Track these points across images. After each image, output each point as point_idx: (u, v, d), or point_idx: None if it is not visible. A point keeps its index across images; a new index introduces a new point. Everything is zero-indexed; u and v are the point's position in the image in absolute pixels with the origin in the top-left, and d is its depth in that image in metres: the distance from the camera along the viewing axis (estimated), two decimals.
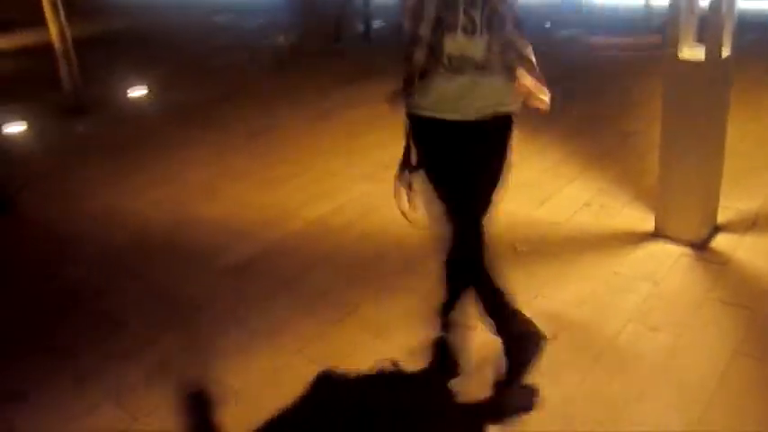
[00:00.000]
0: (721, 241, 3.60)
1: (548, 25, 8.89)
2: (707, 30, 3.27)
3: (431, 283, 3.19)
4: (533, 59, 2.42)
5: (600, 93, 6.39)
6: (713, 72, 3.28)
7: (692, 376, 2.70)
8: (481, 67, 2.29)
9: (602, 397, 2.62)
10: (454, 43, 2.26)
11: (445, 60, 2.28)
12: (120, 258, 4.01)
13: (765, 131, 5.09)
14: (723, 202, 3.78)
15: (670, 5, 3.32)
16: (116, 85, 7.96)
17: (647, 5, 8.75)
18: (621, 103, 5.94)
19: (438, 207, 2.52)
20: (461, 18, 2.25)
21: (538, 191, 4.33)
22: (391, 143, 5.23)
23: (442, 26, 2.25)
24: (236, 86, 7.96)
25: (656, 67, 3.70)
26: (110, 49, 10.25)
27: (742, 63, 3.71)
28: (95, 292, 3.67)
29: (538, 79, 2.43)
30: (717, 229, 3.69)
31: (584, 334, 3.00)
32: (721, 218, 3.76)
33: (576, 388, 2.68)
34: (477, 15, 2.25)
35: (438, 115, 2.35)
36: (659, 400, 2.58)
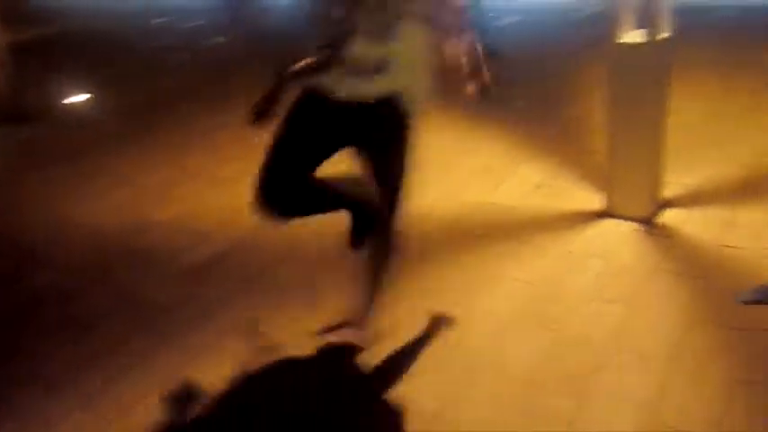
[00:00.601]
0: (669, 216, 3.75)
1: (490, 15, 9.02)
2: (645, 13, 3.40)
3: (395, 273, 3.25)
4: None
5: (545, 78, 6.53)
6: (653, 53, 3.42)
7: (649, 344, 2.82)
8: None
9: (564, 369, 2.72)
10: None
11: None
12: (81, 264, 3.97)
13: (706, 107, 5.29)
14: (669, 177, 3.93)
15: None
16: (57, 90, 7.81)
17: None
18: (567, 88, 6.09)
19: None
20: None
21: (492, 176, 4.42)
22: None
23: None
24: (183, 87, 7.89)
25: (598, 51, 3.81)
26: (47, 54, 10.03)
27: (682, 44, 3.87)
28: (60, 299, 3.62)
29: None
30: (664, 204, 3.84)
31: (543, 311, 3.09)
32: (668, 193, 3.90)
33: (538, 363, 2.77)
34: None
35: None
36: (619, 370, 2.69)
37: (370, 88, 2.48)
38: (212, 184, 4.89)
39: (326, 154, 2.68)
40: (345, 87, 2.49)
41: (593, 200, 3.93)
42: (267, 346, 3.04)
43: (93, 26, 13.47)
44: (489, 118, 5.24)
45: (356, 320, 2.98)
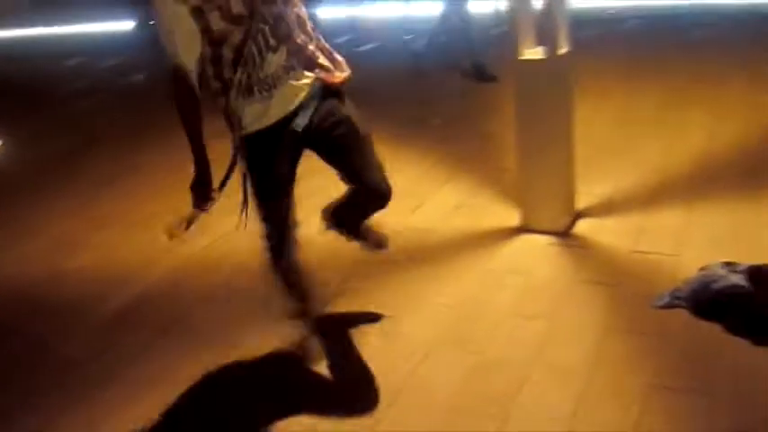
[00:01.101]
0: (582, 227, 3.80)
1: (407, 37, 9.09)
2: (543, 29, 3.46)
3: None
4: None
5: (462, 95, 6.60)
6: (553, 68, 3.47)
7: (570, 357, 2.83)
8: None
9: (486, 392, 2.70)
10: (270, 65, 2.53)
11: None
12: None
13: (615, 116, 5.42)
14: (581, 188, 3.99)
15: (508, 9, 3.50)
16: None
17: (496, 10, 9.12)
18: (484, 104, 6.16)
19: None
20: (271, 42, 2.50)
21: (410, 199, 4.41)
22: None
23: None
24: (97, 130, 7.70)
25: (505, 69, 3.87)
26: None
27: (584, 57, 3.95)
28: None
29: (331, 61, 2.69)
30: (578, 215, 3.89)
31: (465, 333, 3.08)
32: (581, 204, 3.96)
33: (461, 387, 2.75)
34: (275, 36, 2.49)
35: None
36: (540, 387, 2.69)
37: (296, 89, 2.60)
38: (125, 230, 4.76)
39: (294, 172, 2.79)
40: (269, 113, 2.59)
41: (511, 216, 3.95)
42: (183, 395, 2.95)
43: (4, 71, 13.09)
44: (407, 139, 5.26)
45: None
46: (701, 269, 3.12)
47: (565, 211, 3.78)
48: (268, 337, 3.21)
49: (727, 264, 3.10)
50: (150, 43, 12.28)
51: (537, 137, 3.61)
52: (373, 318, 3.26)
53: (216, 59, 2.46)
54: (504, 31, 3.58)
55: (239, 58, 2.44)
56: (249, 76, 2.49)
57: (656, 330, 2.93)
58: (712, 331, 2.86)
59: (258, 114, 2.59)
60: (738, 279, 2.95)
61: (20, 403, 3.03)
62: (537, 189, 3.71)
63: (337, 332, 3.17)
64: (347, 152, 2.69)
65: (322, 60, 2.66)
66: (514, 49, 3.51)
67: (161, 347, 3.33)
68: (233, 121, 2.61)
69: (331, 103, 2.66)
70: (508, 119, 3.90)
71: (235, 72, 2.47)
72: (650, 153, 4.62)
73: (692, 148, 4.60)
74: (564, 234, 3.73)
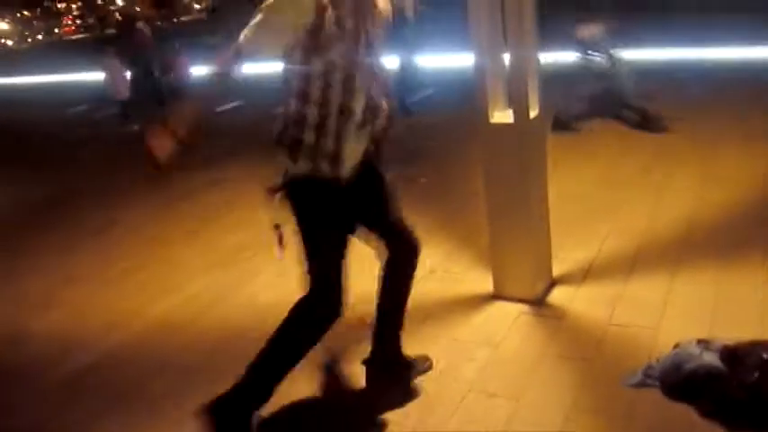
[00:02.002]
0: (557, 295, 3.65)
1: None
2: (512, 92, 3.35)
3: None
4: None
5: (448, 153, 6.51)
6: (524, 132, 3.35)
7: None
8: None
9: None
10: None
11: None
12: None
13: (596, 178, 5.27)
14: (559, 253, 3.85)
15: (475, 71, 3.40)
16: None
17: None
18: (466, 165, 6.04)
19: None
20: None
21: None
22: (242, 226, 5.16)
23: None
24: (82, 182, 7.66)
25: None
26: None
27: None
28: None
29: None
30: (554, 282, 3.74)
31: (426, 408, 2.92)
32: (558, 270, 3.81)
33: None
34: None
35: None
36: None
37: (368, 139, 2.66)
38: (98, 287, 4.65)
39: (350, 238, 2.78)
40: (348, 162, 2.59)
41: (485, 282, 3.80)
42: None
43: (8, 116, 13.20)
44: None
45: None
46: (675, 346, 2.95)
47: (539, 278, 3.63)
48: None
49: (702, 341, 2.91)
50: (147, 94, 12.42)
51: (508, 201, 3.48)
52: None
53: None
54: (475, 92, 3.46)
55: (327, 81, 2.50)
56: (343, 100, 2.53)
57: (624, 412, 2.75)
58: (684, 414, 2.66)
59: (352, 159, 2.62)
60: (712, 359, 2.76)
61: None
62: (509, 255, 3.57)
63: (298, 403, 3.03)
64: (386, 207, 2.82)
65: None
66: (484, 112, 3.41)
67: (111, 419, 3.18)
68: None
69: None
70: None
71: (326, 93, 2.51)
72: (633, 217, 4.47)
73: (676, 213, 4.44)
74: (538, 302, 3.58)
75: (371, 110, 2.57)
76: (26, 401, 3.43)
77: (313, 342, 2.70)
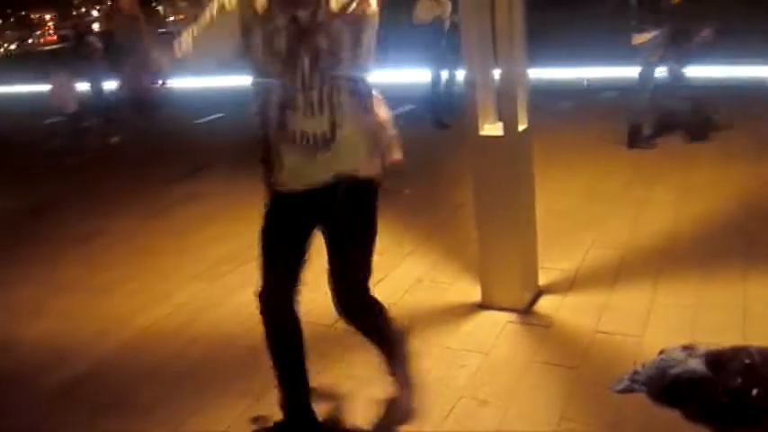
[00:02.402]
0: (544, 304, 3.72)
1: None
2: (502, 105, 3.44)
3: (263, 382, 3.10)
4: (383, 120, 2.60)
5: (434, 165, 6.59)
6: (512, 145, 3.44)
7: None
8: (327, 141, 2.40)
9: None
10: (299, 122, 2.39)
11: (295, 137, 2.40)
12: None
13: (580, 191, 5.40)
14: (545, 263, 3.94)
15: (465, 83, 3.48)
16: None
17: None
18: (449, 177, 6.14)
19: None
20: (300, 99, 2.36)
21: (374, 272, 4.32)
22: (229, 236, 5.18)
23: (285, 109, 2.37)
24: (69, 191, 7.64)
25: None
26: None
27: (558, 128, 3.93)
28: None
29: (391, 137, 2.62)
30: (540, 291, 3.82)
31: (419, 417, 2.96)
32: (544, 279, 3.89)
33: None
34: (315, 97, 2.35)
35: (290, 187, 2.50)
36: None
37: (323, 168, 2.44)
38: (85, 296, 4.64)
39: (305, 244, 2.64)
40: (300, 177, 2.46)
41: (473, 291, 3.87)
42: None
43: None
44: (379, 213, 5.18)
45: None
46: (660, 352, 3.03)
47: (526, 288, 3.71)
48: (211, 415, 3.10)
49: (687, 347, 3.00)
50: (131, 105, 12.40)
51: (496, 212, 3.56)
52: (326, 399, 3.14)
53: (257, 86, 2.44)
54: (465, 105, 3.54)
55: (266, 99, 2.41)
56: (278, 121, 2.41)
57: (612, 417, 2.83)
58: (670, 418, 2.74)
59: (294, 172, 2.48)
60: (697, 364, 2.85)
61: None
62: (497, 265, 3.64)
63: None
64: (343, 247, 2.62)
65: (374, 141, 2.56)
66: (473, 124, 3.49)
67: (103, 426, 3.19)
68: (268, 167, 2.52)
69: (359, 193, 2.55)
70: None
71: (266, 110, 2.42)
72: (617, 229, 4.58)
73: (658, 225, 4.57)
74: (525, 311, 3.65)
75: (323, 136, 2.40)
76: (19, 407, 3.42)
77: (272, 344, 2.72)
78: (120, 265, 5.12)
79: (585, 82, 9.74)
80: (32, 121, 12.24)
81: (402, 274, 4.32)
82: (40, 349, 4.01)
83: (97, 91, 12.19)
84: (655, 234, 4.43)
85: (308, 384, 2.82)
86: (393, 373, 2.86)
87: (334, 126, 2.39)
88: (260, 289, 2.66)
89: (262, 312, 2.68)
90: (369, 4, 2.37)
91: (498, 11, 3.34)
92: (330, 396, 3.16)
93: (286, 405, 2.81)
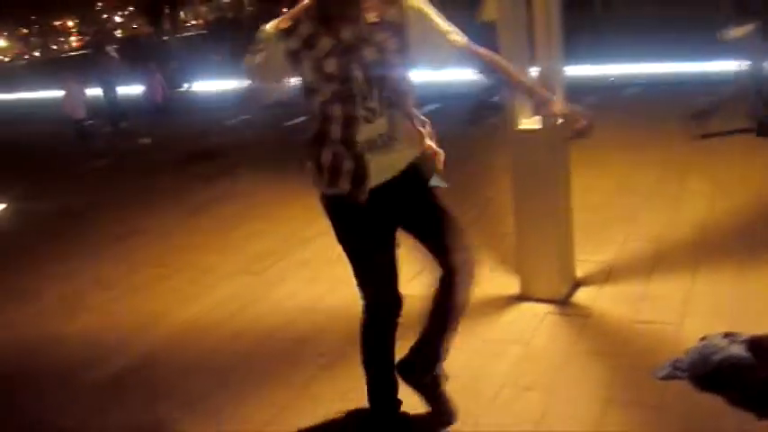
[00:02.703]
0: (582, 295, 3.77)
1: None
2: None
3: (307, 373, 3.17)
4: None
5: (465, 161, 6.64)
6: (550, 138, 3.49)
7: (570, 429, 2.77)
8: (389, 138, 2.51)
9: None
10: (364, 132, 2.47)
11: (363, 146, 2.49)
12: None
13: (612, 186, 5.43)
14: (580, 255, 3.97)
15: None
16: None
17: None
18: (482, 172, 6.19)
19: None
20: (361, 110, 2.44)
21: (408, 267, 4.36)
22: (266, 233, 5.28)
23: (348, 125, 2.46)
24: (104, 192, 7.78)
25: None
26: None
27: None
28: None
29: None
30: (578, 283, 3.86)
31: (462, 404, 3.01)
32: (580, 272, 3.93)
33: None
34: (374, 104, 2.44)
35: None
36: None
37: (392, 160, 2.55)
38: (126, 293, 4.76)
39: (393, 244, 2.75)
40: (380, 173, 2.54)
41: (510, 284, 3.92)
42: None
43: (19, 130, 13.30)
44: None
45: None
46: (702, 339, 3.07)
47: (564, 280, 3.75)
48: (257, 406, 3.18)
49: (728, 334, 3.04)
50: (157, 108, 12.62)
51: (534, 205, 3.61)
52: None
53: (309, 105, 2.50)
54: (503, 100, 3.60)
55: (327, 115, 2.46)
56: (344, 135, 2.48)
57: (656, 402, 2.86)
58: (713, 403, 2.78)
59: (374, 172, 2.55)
60: (739, 350, 2.89)
61: None
62: (535, 257, 3.70)
63: (333, 407, 3.11)
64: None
65: (424, 135, 2.69)
66: (511, 119, 3.54)
67: (150, 419, 3.27)
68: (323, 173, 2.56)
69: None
70: (507, 185, 3.92)
71: (328, 126, 2.48)
72: (651, 222, 4.61)
73: (693, 217, 4.58)
74: (563, 302, 3.70)
75: (385, 136, 2.50)
76: (68, 402, 3.52)
77: (382, 341, 2.82)
78: (159, 263, 5.23)
79: (612, 78, 9.75)
80: (61, 125, 12.46)
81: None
82: (84, 344, 4.11)
83: (111, 99, 12.64)
84: (691, 226, 4.45)
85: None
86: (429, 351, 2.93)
87: (392, 124, 2.51)
88: (371, 300, 2.75)
89: (374, 321, 2.78)
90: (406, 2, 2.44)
91: (536, 7, 3.40)
92: None
93: (376, 400, 2.89)
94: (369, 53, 2.41)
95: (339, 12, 2.38)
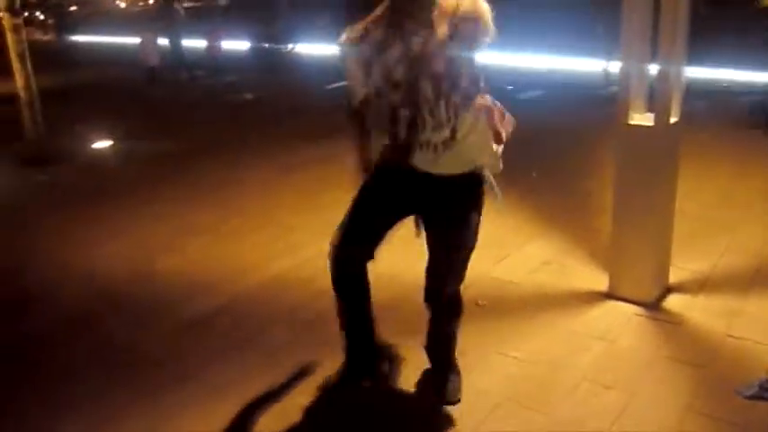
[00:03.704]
0: (673, 301, 3.68)
1: (509, 87, 9.13)
2: (656, 96, 3.40)
3: (389, 335, 3.20)
4: (490, 104, 2.58)
5: (559, 154, 6.55)
6: (661, 137, 3.40)
7: None
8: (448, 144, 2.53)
9: None
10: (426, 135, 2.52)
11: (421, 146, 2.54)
12: (73, 312, 3.95)
13: (714, 194, 5.25)
14: (676, 262, 3.87)
15: (620, 73, 3.46)
16: (81, 136, 7.95)
17: (605, 71, 9.04)
18: (579, 165, 6.09)
19: None
20: (428, 119, 2.48)
21: (496, 249, 4.37)
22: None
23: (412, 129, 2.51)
24: (204, 141, 8.02)
25: (609, 131, 3.80)
26: (78, 100, 10.26)
27: (691, 129, 3.85)
28: (49, 345, 3.61)
29: (502, 115, 2.60)
30: (669, 289, 3.77)
31: (540, 392, 3.01)
32: (674, 278, 3.83)
33: None
34: (441, 114, 2.47)
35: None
36: None
37: (442, 164, 2.57)
38: (218, 240, 4.91)
39: (396, 218, 2.79)
40: (421, 163, 2.59)
41: (599, 280, 3.86)
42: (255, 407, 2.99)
43: (126, 76, 13.82)
44: (503, 189, 5.21)
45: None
46: None
47: (656, 283, 3.67)
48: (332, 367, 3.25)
49: None
50: (261, 65, 12.87)
51: (636, 203, 3.53)
52: None
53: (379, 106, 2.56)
54: (613, 93, 3.52)
55: (395, 119, 2.51)
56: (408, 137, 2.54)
57: (737, 420, 2.78)
58: None
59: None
60: None
61: (91, 395, 3.13)
62: (629, 256, 3.62)
63: (409, 380, 3.14)
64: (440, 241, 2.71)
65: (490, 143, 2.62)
66: (623, 113, 3.46)
67: (237, 358, 3.39)
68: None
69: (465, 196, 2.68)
70: (606, 180, 3.85)
71: (395, 128, 2.54)
72: (752, 237, 4.44)
73: None
74: (653, 306, 3.62)
75: (448, 141, 2.53)
76: (159, 332, 3.68)
77: (338, 295, 2.95)
78: (251, 215, 5.37)
79: (726, 84, 9.38)
80: (169, 75, 12.92)
81: (526, 254, 4.36)
82: (172, 284, 4.27)
83: (176, 49, 14.24)
84: None
85: (372, 335, 3.01)
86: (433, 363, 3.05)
87: (454, 132, 2.51)
88: (331, 243, 2.85)
89: (332, 264, 2.87)
90: (478, 18, 2.38)
91: (664, 3, 3.30)
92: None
93: (348, 350, 3.01)
94: (437, 65, 2.41)
95: (411, 19, 2.40)
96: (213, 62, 13.82)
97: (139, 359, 3.44)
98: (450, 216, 2.66)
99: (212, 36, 14.24)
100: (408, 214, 2.78)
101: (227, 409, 2.97)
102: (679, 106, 3.47)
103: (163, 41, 14.01)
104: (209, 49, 14.19)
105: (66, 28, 27.92)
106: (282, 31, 15.80)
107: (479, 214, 2.71)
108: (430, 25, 2.38)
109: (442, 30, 2.36)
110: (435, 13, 2.37)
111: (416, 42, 2.40)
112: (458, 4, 2.36)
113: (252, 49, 15.00)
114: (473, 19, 2.37)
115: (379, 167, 2.75)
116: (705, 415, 2.82)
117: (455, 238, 2.66)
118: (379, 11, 2.49)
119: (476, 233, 2.70)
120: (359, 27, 2.51)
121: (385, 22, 2.46)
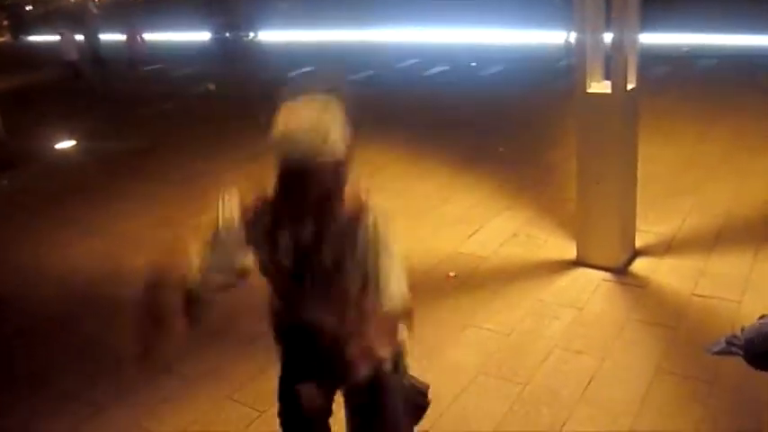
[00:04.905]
0: (640, 265, 3.74)
1: (473, 64, 9.16)
2: (612, 64, 3.43)
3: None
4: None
5: (524, 127, 6.58)
6: (619, 103, 3.44)
7: (618, 395, 2.78)
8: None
9: (529, 425, 2.67)
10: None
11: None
12: (48, 312, 3.93)
13: (678, 157, 5.32)
14: (641, 226, 3.94)
15: (576, 43, 3.49)
16: (43, 137, 7.84)
17: (566, 43, 9.08)
18: (544, 137, 6.13)
19: None
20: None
21: (467, 225, 4.41)
22: None
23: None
24: (167, 134, 7.94)
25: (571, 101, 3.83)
26: (36, 101, 10.11)
27: (653, 94, 3.91)
28: (25, 347, 3.59)
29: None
30: (636, 253, 3.83)
31: (513, 362, 3.05)
32: (640, 242, 3.90)
33: (504, 417, 2.72)
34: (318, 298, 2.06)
35: None
36: (585, 426, 2.64)
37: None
38: (186, 232, 4.87)
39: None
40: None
41: (567, 249, 3.91)
42: (228, 396, 3.00)
43: (84, 73, 13.64)
44: (472, 165, 5.26)
45: None
46: (761, 318, 3.02)
47: (623, 248, 3.72)
48: None
49: None
50: (223, 55, 12.77)
51: (598, 170, 3.58)
52: (421, 343, 3.23)
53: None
54: (572, 64, 3.55)
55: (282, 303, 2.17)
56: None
57: (707, 377, 2.85)
58: (767, 383, 2.76)
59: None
60: None
61: (69, 396, 3.13)
62: (595, 223, 3.67)
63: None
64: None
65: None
66: (581, 82, 3.50)
67: (210, 349, 3.38)
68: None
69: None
70: (571, 149, 3.88)
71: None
72: (716, 197, 4.52)
73: (760, 194, 4.47)
74: (620, 271, 3.68)
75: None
76: (126, 336, 3.65)
77: None
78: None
79: (685, 48, 9.48)
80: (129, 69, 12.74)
81: (497, 227, 4.40)
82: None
83: (93, 45, 15.20)
84: (756, 204, 4.35)
85: None
86: None
87: (345, 324, 2.02)
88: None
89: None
90: (364, 210, 1.94)
91: None
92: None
93: None
94: (326, 257, 2.01)
95: (296, 210, 1.94)
96: (134, 55, 14.14)
97: (118, 356, 3.42)
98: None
99: (132, 31, 14.53)
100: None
101: (203, 398, 2.99)
102: (635, 73, 3.51)
103: (80, 37, 14.56)
104: (128, 42, 14.52)
105: (21, 28, 27.41)
106: (241, 18, 15.67)
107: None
108: (324, 215, 1.97)
109: (338, 220, 1.98)
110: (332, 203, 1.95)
111: (305, 233, 2.00)
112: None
113: (212, 39, 14.87)
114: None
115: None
116: (675, 374, 2.89)
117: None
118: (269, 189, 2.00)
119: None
120: (251, 201, 2.01)
121: (272, 207, 1.99)
